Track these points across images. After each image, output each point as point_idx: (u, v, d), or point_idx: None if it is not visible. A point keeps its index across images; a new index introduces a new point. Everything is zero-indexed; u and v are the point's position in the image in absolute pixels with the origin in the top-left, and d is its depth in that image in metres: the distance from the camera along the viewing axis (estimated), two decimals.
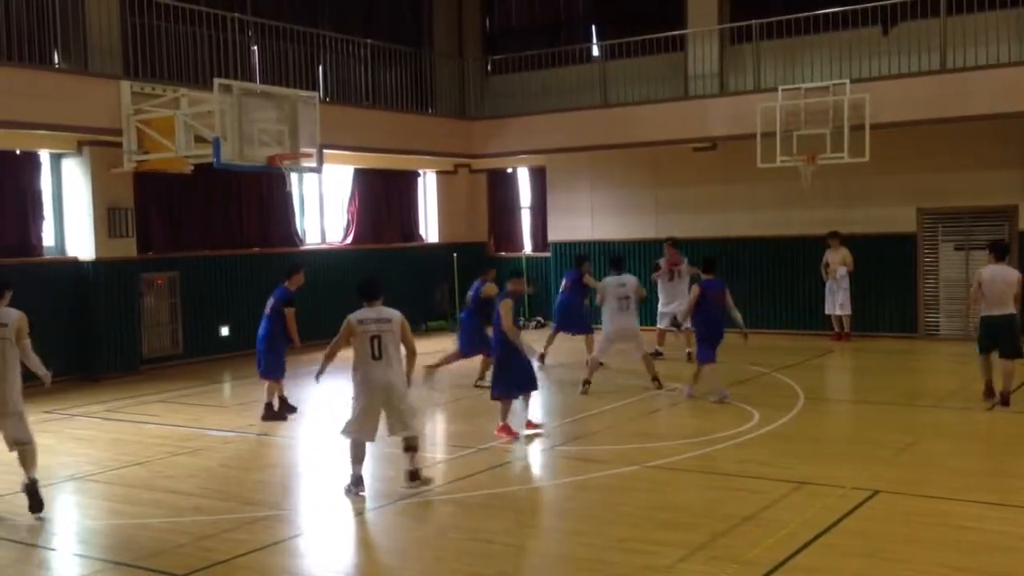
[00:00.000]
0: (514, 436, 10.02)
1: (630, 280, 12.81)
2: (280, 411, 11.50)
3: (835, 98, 15.46)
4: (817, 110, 15.59)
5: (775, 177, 16.78)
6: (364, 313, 8.16)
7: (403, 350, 8.31)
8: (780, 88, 16.11)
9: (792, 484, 8.13)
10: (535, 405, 11.10)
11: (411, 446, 8.30)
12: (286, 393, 11.82)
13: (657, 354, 14.61)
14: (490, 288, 12.81)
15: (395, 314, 8.19)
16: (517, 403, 10.31)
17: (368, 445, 8.31)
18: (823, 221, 17.33)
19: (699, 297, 11.82)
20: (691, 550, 6.60)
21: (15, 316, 7.90)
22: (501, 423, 10.09)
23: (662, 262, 15.73)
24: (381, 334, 8.07)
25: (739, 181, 18.22)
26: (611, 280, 12.73)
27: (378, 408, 8.21)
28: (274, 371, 11.50)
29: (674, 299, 15.21)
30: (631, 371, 14.08)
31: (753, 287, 18.25)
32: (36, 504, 7.74)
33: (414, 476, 8.26)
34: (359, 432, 8.23)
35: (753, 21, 17.26)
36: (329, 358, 8.48)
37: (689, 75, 18.50)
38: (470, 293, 13.37)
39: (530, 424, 10.37)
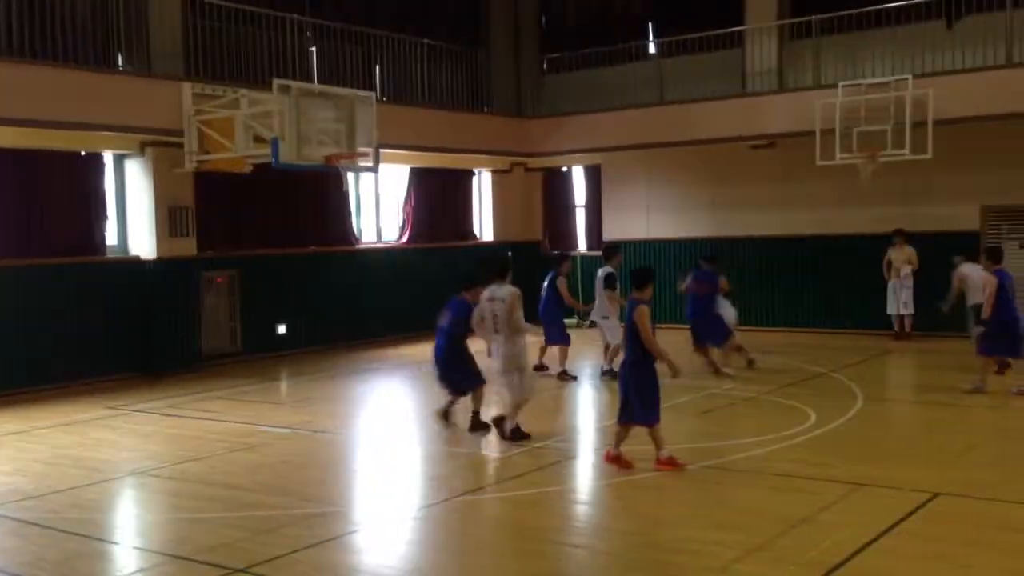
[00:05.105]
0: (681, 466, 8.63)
1: None
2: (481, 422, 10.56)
3: (897, 94, 15.22)
4: (878, 106, 15.37)
5: (835, 175, 16.51)
6: None
7: None
8: (840, 84, 15.89)
9: (850, 485, 7.98)
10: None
11: None
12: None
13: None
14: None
15: None
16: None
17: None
18: (885, 219, 17.00)
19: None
20: (747, 551, 6.52)
21: None
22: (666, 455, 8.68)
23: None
24: None
25: (798, 179, 17.96)
26: None
27: None
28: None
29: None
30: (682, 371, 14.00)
31: (813, 286, 18.06)
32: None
33: None
34: None
35: (813, 16, 17.03)
36: None
37: (747, 72, 18.29)
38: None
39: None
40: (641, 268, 9.24)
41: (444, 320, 10.54)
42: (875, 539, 6.66)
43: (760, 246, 18.71)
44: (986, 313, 11.54)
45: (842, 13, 16.65)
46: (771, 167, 18.34)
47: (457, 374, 10.48)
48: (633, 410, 8.65)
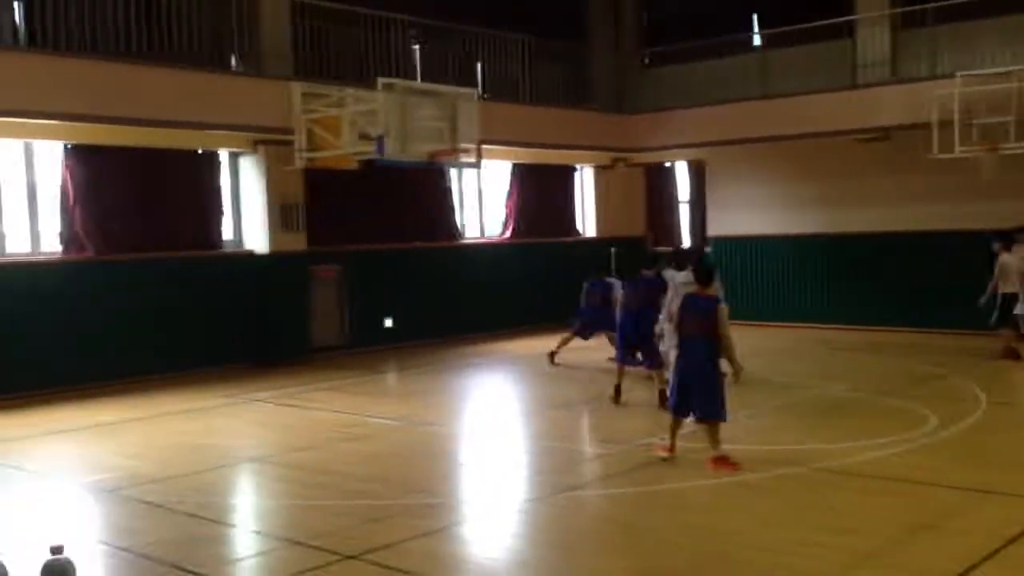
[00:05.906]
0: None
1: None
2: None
3: (1019, 84, 14.54)
4: (999, 97, 14.71)
5: (952, 169, 15.85)
6: None
7: None
8: (958, 74, 15.28)
9: (974, 492, 7.70)
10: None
11: None
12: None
13: None
14: None
15: None
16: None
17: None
18: (1009, 214, 16.23)
19: None
20: (861, 556, 6.34)
21: None
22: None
23: None
24: None
25: (911, 172, 17.35)
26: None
27: None
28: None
29: None
30: (789, 371, 13.73)
31: (931, 285, 17.38)
32: None
33: None
34: None
35: (928, 4, 16.45)
36: None
37: (858, 63, 17.78)
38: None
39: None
40: (706, 264, 9.64)
41: (628, 300, 11.31)
42: (999, 549, 6.40)
43: (873, 242, 18.15)
44: None
45: (957, 1, 16.04)
46: (881, 161, 17.78)
47: (648, 350, 11.28)
48: (700, 403, 8.64)
